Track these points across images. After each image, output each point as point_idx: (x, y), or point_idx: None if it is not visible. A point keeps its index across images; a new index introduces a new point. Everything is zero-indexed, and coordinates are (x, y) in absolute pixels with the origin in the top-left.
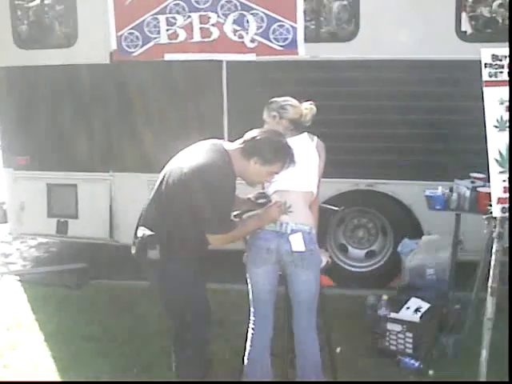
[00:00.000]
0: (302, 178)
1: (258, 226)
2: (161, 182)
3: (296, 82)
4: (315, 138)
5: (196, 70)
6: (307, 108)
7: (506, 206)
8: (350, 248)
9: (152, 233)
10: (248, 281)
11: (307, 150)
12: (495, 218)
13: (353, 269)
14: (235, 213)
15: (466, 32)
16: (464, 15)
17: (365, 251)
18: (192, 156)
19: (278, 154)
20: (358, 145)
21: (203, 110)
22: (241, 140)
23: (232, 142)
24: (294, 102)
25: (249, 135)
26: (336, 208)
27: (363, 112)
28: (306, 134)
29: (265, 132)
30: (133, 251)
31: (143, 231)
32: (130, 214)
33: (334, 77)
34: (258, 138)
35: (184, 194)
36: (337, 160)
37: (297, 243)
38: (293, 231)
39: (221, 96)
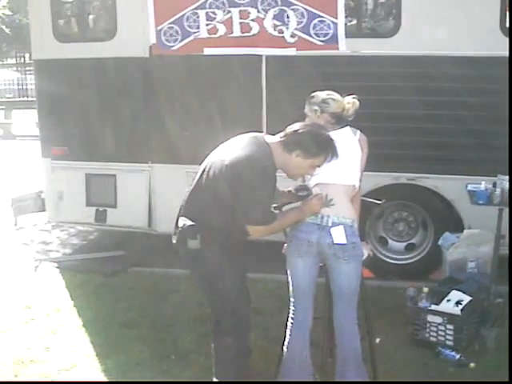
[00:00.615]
0: (344, 171)
1: (298, 219)
2: (202, 174)
3: (336, 77)
4: (358, 131)
5: (235, 65)
6: (349, 102)
7: None
8: (390, 241)
9: (193, 223)
10: (288, 272)
11: (350, 143)
12: None
13: (393, 261)
14: (275, 205)
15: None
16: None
17: (405, 244)
18: (233, 148)
19: (321, 147)
20: (400, 139)
21: (242, 104)
22: (282, 133)
23: (272, 135)
24: (336, 95)
25: (290, 128)
26: (378, 201)
27: (406, 107)
28: (348, 127)
29: (307, 125)
30: (173, 241)
31: (184, 221)
32: (168, 204)
33: (375, 72)
34: (300, 131)
35: (225, 185)
36: (378, 154)
37: (338, 236)
38: (334, 224)
39: (260, 90)
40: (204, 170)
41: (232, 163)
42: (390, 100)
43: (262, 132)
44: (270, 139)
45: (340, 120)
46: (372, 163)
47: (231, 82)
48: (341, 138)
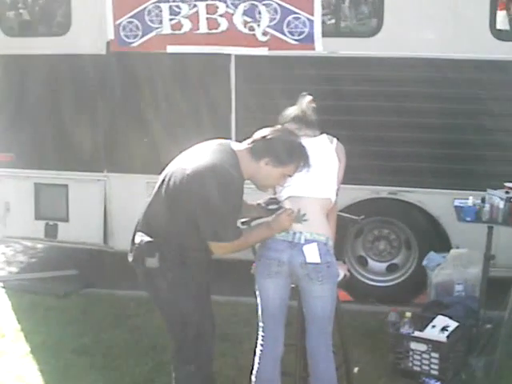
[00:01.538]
0: (318, 183)
1: (266, 235)
2: (161, 185)
3: (312, 80)
4: (335, 140)
5: (201, 65)
6: (307, 102)
7: None
8: (369, 261)
9: (151, 239)
10: (257, 294)
11: (326, 152)
12: None
13: (373, 283)
14: (242, 220)
15: (501, 30)
16: (500, 12)
17: (386, 264)
18: (196, 156)
19: (292, 154)
20: (380, 149)
21: (209, 108)
22: (250, 139)
23: (240, 142)
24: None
25: (259, 134)
26: (357, 217)
27: (386, 113)
28: (324, 135)
29: (277, 130)
30: (130, 259)
31: (141, 237)
32: (126, 218)
33: (354, 75)
34: (269, 136)
35: (186, 197)
36: (357, 165)
37: (312, 254)
38: (307, 241)
39: (228, 93)
40: (164, 180)
41: (194, 172)
42: (369, 106)
43: (230, 138)
44: (236, 146)
45: (307, 124)
46: (350, 175)
47: (197, 84)
48: (316, 146)
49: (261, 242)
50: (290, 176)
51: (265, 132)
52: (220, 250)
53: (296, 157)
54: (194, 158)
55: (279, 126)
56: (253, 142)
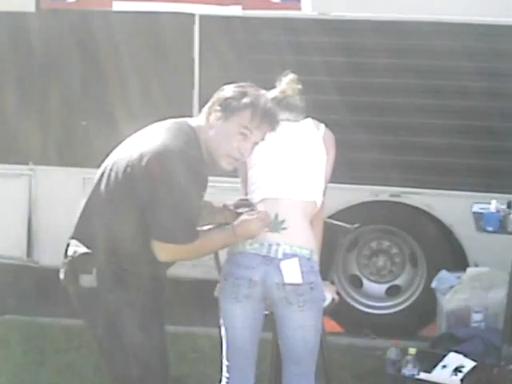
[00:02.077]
0: (300, 181)
1: (228, 242)
2: (100, 178)
3: (297, 48)
4: (322, 126)
5: (157, 26)
6: (288, 81)
7: None
8: (365, 281)
9: (87, 250)
10: (221, 323)
11: (310, 141)
12: None
13: (369, 310)
14: (206, 227)
15: None
16: None
17: (386, 286)
18: (144, 139)
19: (243, 98)
20: (379, 138)
21: (166, 82)
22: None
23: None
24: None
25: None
26: (348, 225)
27: (387, 93)
28: (309, 120)
29: (227, 84)
30: (61, 276)
31: (75, 248)
32: (56, 224)
33: (349, 43)
34: (221, 89)
35: (131, 189)
36: (350, 159)
37: (291, 273)
38: (286, 256)
39: (191, 62)
40: (103, 173)
41: (141, 156)
42: (365, 83)
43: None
44: (196, 122)
45: (287, 107)
46: (341, 171)
47: (150, 51)
48: (297, 133)
49: (220, 249)
50: (250, 131)
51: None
52: (166, 254)
53: (250, 102)
54: (141, 141)
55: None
56: (206, 106)
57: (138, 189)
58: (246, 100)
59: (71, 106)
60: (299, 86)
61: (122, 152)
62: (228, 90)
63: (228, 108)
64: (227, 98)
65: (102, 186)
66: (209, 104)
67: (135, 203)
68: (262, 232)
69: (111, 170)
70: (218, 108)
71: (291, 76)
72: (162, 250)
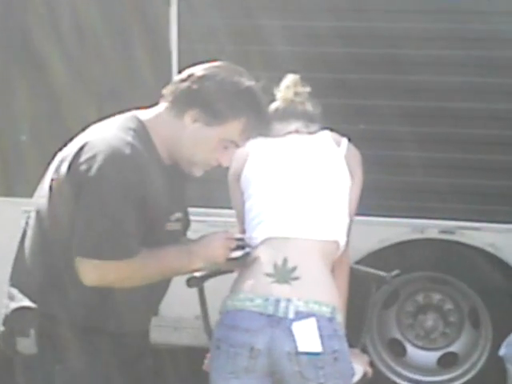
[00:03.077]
0: (317, 215)
1: (179, 263)
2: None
3: (295, 32)
4: (344, 140)
5: None
6: (291, 86)
7: None
8: (409, 348)
9: (24, 304)
10: None
11: (329, 161)
12: None
13: None
14: (194, 274)
15: None
16: None
17: (438, 354)
18: (71, 145)
19: (238, 103)
20: (425, 154)
21: (136, 65)
22: (168, 88)
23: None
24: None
25: (184, 74)
26: (383, 273)
27: (433, 95)
28: (328, 132)
29: (213, 67)
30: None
31: (9, 301)
32: None
33: (377, 27)
34: (198, 75)
35: (75, 199)
36: (383, 182)
37: (307, 338)
38: (300, 316)
39: (167, 40)
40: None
41: (85, 162)
42: (405, 80)
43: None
44: (148, 114)
45: (296, 116)
46: (372, 200)
47: (117, 27)
48: (312, 149)
49: (168, 275)
50: (237, 144)
51: (193, 70)
52: (91, 273)
53: (244, 107)
54: (70, 146)
55: (222, 62)
56: (173, 84)
57: (71, 207)
58: (238, 107)
59: (8, 112)
60: (306, 89)
61: (64, 157)
62: (213, 83)
63: (213, 113)
64: (213, 99)
65: (43, 200)
66: (180, 90)
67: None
68: (225, 257)
69: (52, 179)
70: (198, 109)
71: (291, 78)
72: (87, 269)
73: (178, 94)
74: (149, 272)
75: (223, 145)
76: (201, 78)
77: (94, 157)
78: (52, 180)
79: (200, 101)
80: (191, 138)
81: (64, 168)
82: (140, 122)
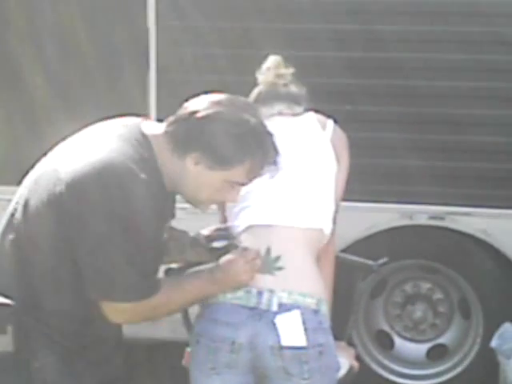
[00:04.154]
0: (301, 202)
1: (205, 294)
2: (15, 206)
3: (289, 15)
4: (330, 122)
5: None
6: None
7: None
8: (397, 340)
9: (1, 300)
10: None
11: (314, 144)
12: None
13: (403, 380)
14: (170, 266)
15: None
16: None
17: (427, 346)
18: (78, 149)
19: (243, 146)
20: (413, 136)
21: (112, 62)
22: (172, 118)
23: (161, 121)
24: None
25: (186, 108)
26: (370, 262)
27: (421, 73)
28: (312, 114)
29: (218, 102)
30: None
31: None
32: None
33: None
34: (202, 112)
35: (56, 220)
36: (370, 166)
37: (291, 332)
38: (283, 308)
39: (145, 34)
40: (22, 194)
41: (70, 176)
42: (396, 59)
43: (146, 115)
44: (151, 129)
45: (278, 96)
46: (359, 185)
47: (94, 25)
48: (295, 132)
49: (194, 304)
50: (243, 184)
51: (196, 104)
52: (120, 316)
53: (249, 150)
54: (75, 151)
55: (224, 95)
56: (174, 122)
57: (63, 222)
58: (243, 151)
59: None
60: (289, 70)
61: (47, 164)
62: (216, 126)
63: (216, 159)
64: (215, 143)
65: (19, 216)
66: (173, 121)
67: (63, 243)
68: (251, 280)
69: (33, 188)
70: (200, 153)
71: (272, 59)
72: (112, 311)
73: (178, 135)
74: (173, 306)
75: (229, 185)
76: (203, 119)
77: (111, 177)
78: (29, 199)
79: (202, 145)
80: (194, 180)
81: (44, 191)
82: (144, 136)
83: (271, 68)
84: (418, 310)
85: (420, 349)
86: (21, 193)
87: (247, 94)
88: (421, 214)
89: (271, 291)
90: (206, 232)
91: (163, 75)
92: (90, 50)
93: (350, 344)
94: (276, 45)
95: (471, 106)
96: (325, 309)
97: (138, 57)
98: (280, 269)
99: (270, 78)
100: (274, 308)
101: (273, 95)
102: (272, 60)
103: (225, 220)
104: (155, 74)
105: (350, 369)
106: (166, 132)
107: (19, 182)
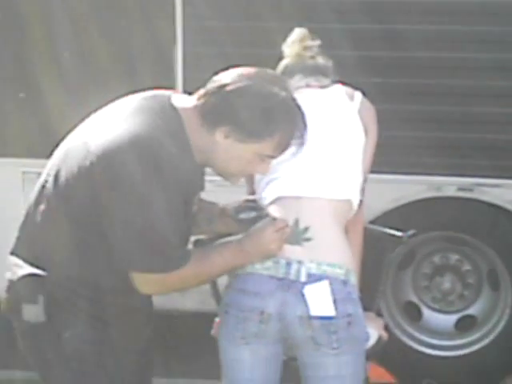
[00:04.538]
0: (329, 173)
1: (235, 265)
2: (48, 174)
3: (309, 8)
4: (358, 94)
5: None
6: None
7: None
8: (425, 311)
9: (31, 271)
10: (223, 373)
11: (342, 117)
12: None
13: (431, 351)
14: (197, 237)
15: None
16: None
17: (455, 317)
18: (107, 122)
19: (272, 118)
20: (440, 109)
21: (139, 42)
22: (201, 91)
23: (190, 94)
24: None
25: (215, 82)
26: (399, 233)
27: (447, 46)
28: (340, 86)
29: (248, 74)
30: (2, 306)
31: (16, 268)
32: None
33: None
34: (230, 86)
35: (87, 193)
36: (401, 139)
37: (320, 302)
38: (312, 278)
39: (172, 16)
40: (51, 170)
41: (100, 149)
42: (422, 38)
43: (174, 88)
44: (182, 102)
45: (305, 69)
46: (387, 157)
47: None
48: (323, 104)
49: (225, 274)
50: (272, 157)
51: (227, 77)
52: (149, 287)
53: (279, 123)
54: (104, 124)
55: (254, 69)
56: (204, 95)
57: (93, 195)
58: (272, 124)
59: (6, 72)
60: (316, 42)
61: (77, 137)
62: (245, 99)
63: (245, 132)
64: (245, 117)
65: (50, 183)
66: (203, 94)
67: (92, 211)
68: (280, 249)
69: (64, 160)
70: (229, 127)
71: (297, 32)
72: (142, 282)
73: (208, 109)
74: (204, 277)
75: (259, 158)
76: (232, 92)
77: (142, 149)
78: (59, 170)
79: (231, 118)
80: (224, 153)
81: (74, 164)
82: (174, 109)
83: (296, 41)
84: (447, 282)
85: (448, 320)
86: (52, 164)
87: (273, 67)
88: (449, 185)
89: (300, 262)
90: (234, 204)
91: (189, 48)
92: (118, 25)
93: (379, 315)
94: (302, 16)
95: (500, 77)
96: (353, 279)
97: (165, 30)
98: (308, 240)
99: (296, 51)
100: (303, 278)
101: (300, 68)
102: (298, 32)
103: (253, 192)
104: (181, 47)
105: (379, 339)
106: (195, 105)
107: (48, 156)
